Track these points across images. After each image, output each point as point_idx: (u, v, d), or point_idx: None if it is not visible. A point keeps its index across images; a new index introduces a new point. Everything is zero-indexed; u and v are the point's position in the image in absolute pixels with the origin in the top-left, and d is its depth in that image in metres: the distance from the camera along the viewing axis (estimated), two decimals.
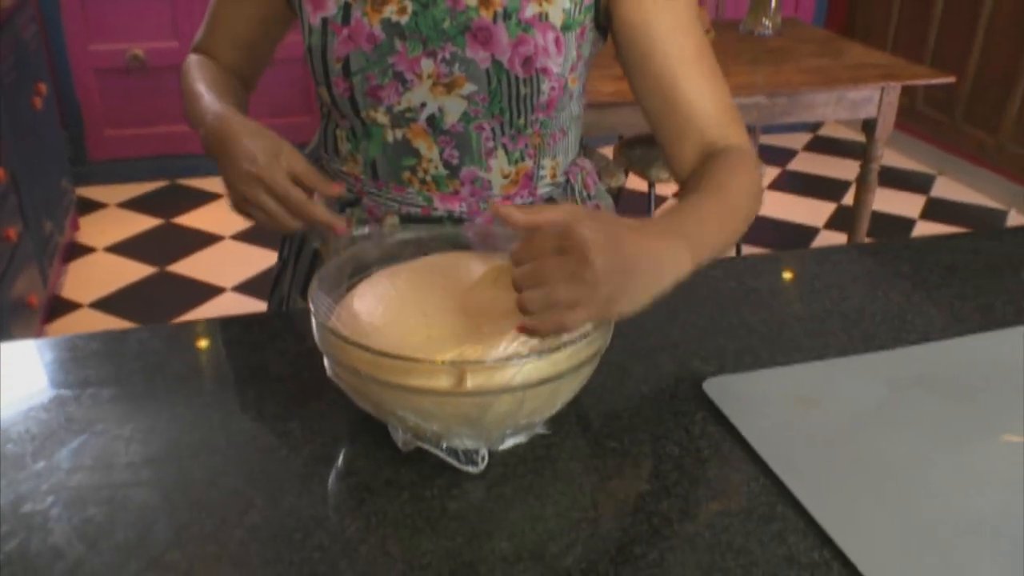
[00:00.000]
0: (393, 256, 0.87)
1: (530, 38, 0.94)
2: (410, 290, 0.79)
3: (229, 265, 3.10)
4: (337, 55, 0.97)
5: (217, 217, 3.45)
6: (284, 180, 0.86)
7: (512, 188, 1.05)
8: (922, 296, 1.04)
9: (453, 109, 0.98)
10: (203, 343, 0.94)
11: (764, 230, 3.51)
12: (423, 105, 0.98)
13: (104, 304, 2.85)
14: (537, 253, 0.68)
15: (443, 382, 0.70)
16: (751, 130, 3.19)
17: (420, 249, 0.88)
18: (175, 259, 3.14)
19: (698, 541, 0.69)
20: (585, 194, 1.15)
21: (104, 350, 0.91)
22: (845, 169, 4.10)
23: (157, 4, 3.49)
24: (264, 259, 3.14)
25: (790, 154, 4.28)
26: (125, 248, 3.21)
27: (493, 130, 1.00)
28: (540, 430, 0.78)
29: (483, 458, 0.75)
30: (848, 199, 3.79)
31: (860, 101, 2.56)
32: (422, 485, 0.74)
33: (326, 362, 0.76)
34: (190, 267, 3.09)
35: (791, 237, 3.47)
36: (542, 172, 1.06)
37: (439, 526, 0.70)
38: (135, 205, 3.54)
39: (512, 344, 0.71)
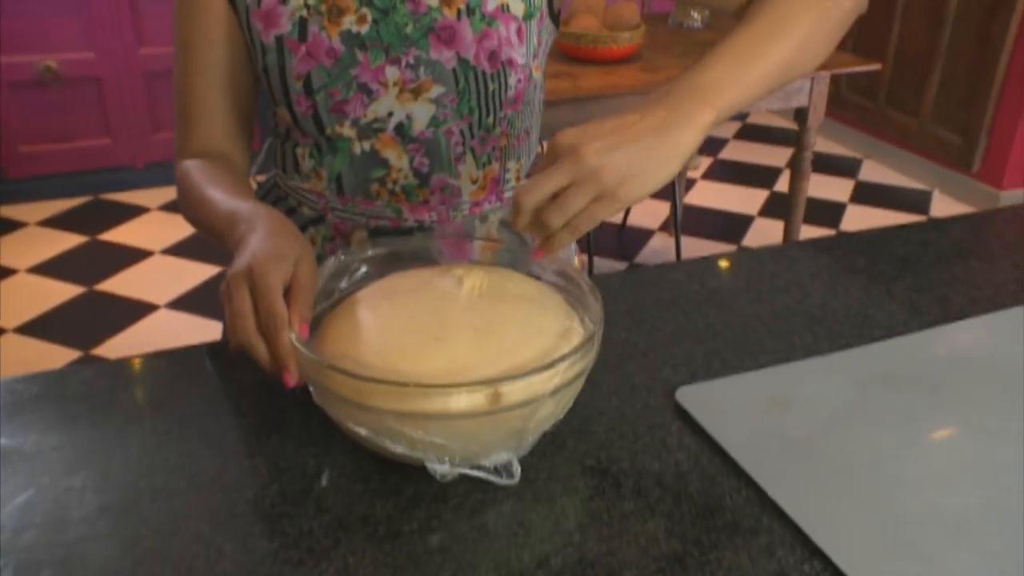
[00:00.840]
0: (349, 279, 0.85)
1: (493, 31, 0.94)
2: (404, 316, 0.76)
3: (161, 281, 3.01)
4: (297, 73, 0.93)
5: (145, 232, 3.34)
6: (275, 282, 0.72)
7: (480, 194, 1.03)
8: (880, 291, 1.05)
9: (421, 115, 0.96)
10: (153, 378, 0.90)
11: (699, 220, 3.55)
12: (390, 114, 0.96)
13: (31, 328, 2.74)
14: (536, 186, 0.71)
15: (492, 401, 0.68)
16: None
17: (374, 270, 0.86)
18: (103, 277, 3.03)
19: (688, 561, 0.67)
20: None
21: (45, 393, 0.86)
22: (775, 156, 4.16)
23: (69, 13, 3.36)
24: (198, 273, 3.06)
25: (720, 143, 4.33)
26: (49, 268, 3.09)
27: (462, 132, 0.98)
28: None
29: (517, 469, 0.73)
30: (780, 186, 3.85)
31: (792, 91, 2.59)
32: (399, 519, 0.71)
33: (333, 412, 0.73)
34: (120, 285, 2.99)
35: (727, 226, 3.51)
36: (507, 175, 1.05)
37: (422, 562, 0.67)
38: (57, 223, 3.41)
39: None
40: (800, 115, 2.68)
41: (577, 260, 1.24)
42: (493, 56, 0.95)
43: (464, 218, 1.03)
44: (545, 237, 0.75)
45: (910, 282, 1.07)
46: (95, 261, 3.14)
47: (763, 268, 1.10)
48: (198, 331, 2.74)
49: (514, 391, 0.68)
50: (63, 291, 2.95)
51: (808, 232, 3.30)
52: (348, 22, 0.92)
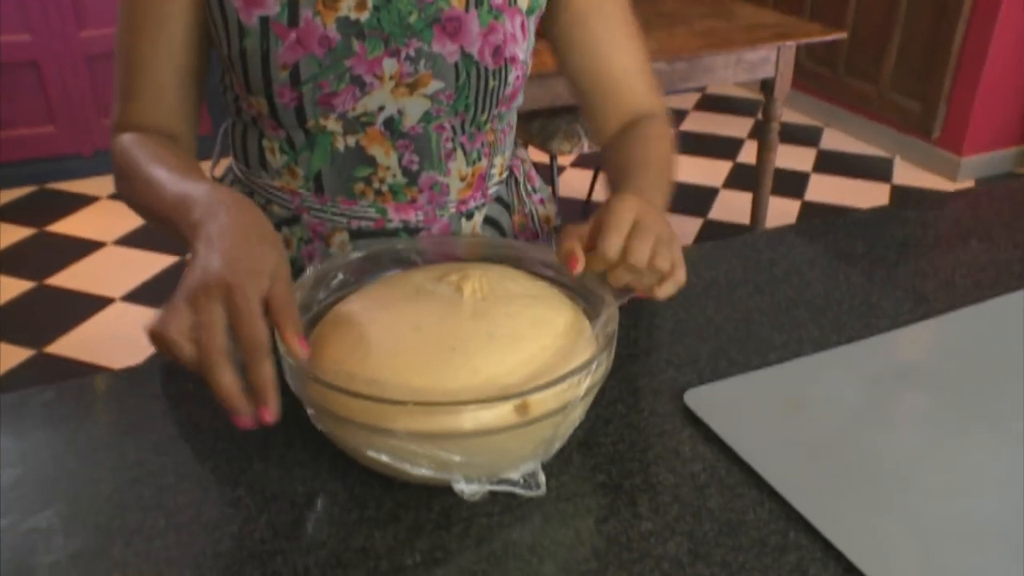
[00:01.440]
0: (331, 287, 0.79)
1: (500, 25, 0.88)
2: (409, 328, 0.69)
3: (115, 273, 2.90)
4: (283, 62, 0.85)
5: (96, 222, 3.22)
6: (257, 304, 0.62)
7: (467, 192, 0.97)
8: (883, 277, 1.01)
9: (414, 110, 0.90)
10: (119, 399, 0.82)
11: None
12: (381, 108, 0.89)
13: None
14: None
15: (523, 412, 0.64)
16: None
17: (351, 277, 0.80)
18: (54, 271, 2.91)
19: None
20: (529, 187, 1.09)
21: (0, 419, 0.79)
22: (737, 127, 4.13)
23: None
24: (154, 263, 2.95)
25: (681, 115, 4.29)
26: None
27: (453, 128, 0.93)
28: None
29: (543, 478, 0.68)
30: (743, 156, 3.82)
31: (758, 62, 2.55)
32: (401, 551, 0.65)
33: (344, 439, 0.67)
34: (71, 278, 2.87)
35: (693, 199, 3.47)
36: (493, 171, 1.00)
37: None
38: (2, 215, 3.27)
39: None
40: (766, 86, 2.64)
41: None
42: (497, 52, 0.89)
43: (450, 216, 0.97)
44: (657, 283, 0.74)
45: (912, 267, 1.03)
46: (44, 254, 3.01)
47: (760, 256, 1.05)
48: None
49: (546, 399, 0.63)
50: (11, 287, 2.82)
51: (774, 204, 3.28)
52: (346, 7, 0.84)
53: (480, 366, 0.65)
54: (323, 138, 0.90)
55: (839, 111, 4.08)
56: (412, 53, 0.87)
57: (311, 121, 0.88)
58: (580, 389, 0.65)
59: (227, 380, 0.60)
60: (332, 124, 0.89)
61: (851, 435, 0.76)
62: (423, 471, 0.64)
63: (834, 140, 4.03)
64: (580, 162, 3.74)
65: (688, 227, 3.26)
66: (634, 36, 0.98)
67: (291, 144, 0.91)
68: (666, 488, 0.71)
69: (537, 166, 1.16)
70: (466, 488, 0.64)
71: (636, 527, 0.68)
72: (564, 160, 3.69)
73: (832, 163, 3.80)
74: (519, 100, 0.99)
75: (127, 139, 0.87)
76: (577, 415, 0.69)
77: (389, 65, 0.87)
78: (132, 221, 3.18)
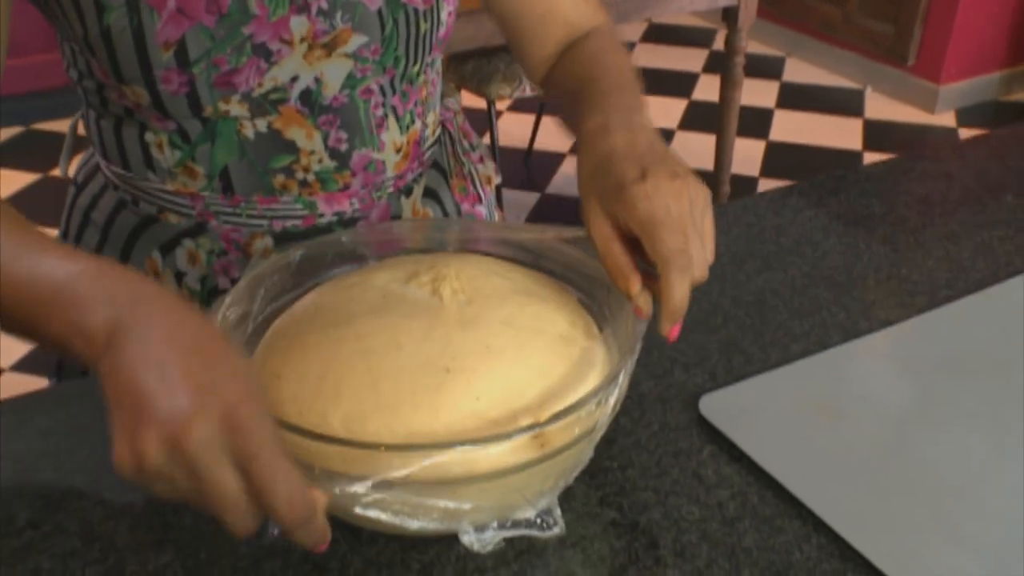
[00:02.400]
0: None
1: None
2: (389, 346, 0.61)
3: None
4: (163, 39, 0.73)
5: None
6: (280, 447, 0.50)
7: (404, 163, 0.89)
8: (909, 243, 0.96)
9: (334, 75, 0.80)
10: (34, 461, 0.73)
11: None
12: (294, 79, 0.79)
13: None
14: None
15: (542, 444, 0.57)
16: None
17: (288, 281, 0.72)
18: None
19: None
20: (466, 144, 1.02)
21: None
22: (689, 59, 4.08)
23: None
24: None
25: (627, 47, 4.22)
26: None
27: (382, 89, 0.84)
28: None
29: (559, 513, 0.60)
30: (700, 93, 3.78)
31: None
32: None
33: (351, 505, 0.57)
34: None
35: None
36: (427, 132, 0.92)
37: None
38: None
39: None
40: (729, 15, 2.58)
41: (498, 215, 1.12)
42: None
43: (388, 197, 0.88)
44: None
45: (941, 229, 0.98)
46: None
47: (763, 223, 0.99)
48: None
49: (569, 425, 0.56)
50: None
51: (736, 145, 3.24)
52: None
53: (482, 389, 0.58)
54: (225, 125, 0.80)
55: (802, 38, 4.06)
56: (324, 5, 0.77)
57: (208, 108, 0.78)
58: (608, 407, 0.59)
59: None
60: (236, 108, 0.79)
61: (901, 445, 0.71)
62: (424, 524, 0.56)
63: (798, 71, 4.01)
64: (517, 106, 3.65)
65: None
66: None
67: (184, 137, 0.81)
68: (691, 524, 0.65)
69: (473, 112, 1.08)
70: (476, 540, 0.57)
71: None
72: (500, 105, 3.60)
73: (797, 97, 3.78)
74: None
75: None
76: (599, 435, 0.62)
77: (298, 24, 0.77)
78: (7, 188, 3.00)
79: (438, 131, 0.97)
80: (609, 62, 0.83)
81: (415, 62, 0.85)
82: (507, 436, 0.56)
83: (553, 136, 3.44)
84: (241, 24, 0.75)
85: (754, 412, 0.74)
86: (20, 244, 0.54)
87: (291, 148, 0.82)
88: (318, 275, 0.74)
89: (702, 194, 0.65)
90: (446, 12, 0.85)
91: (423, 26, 0.83)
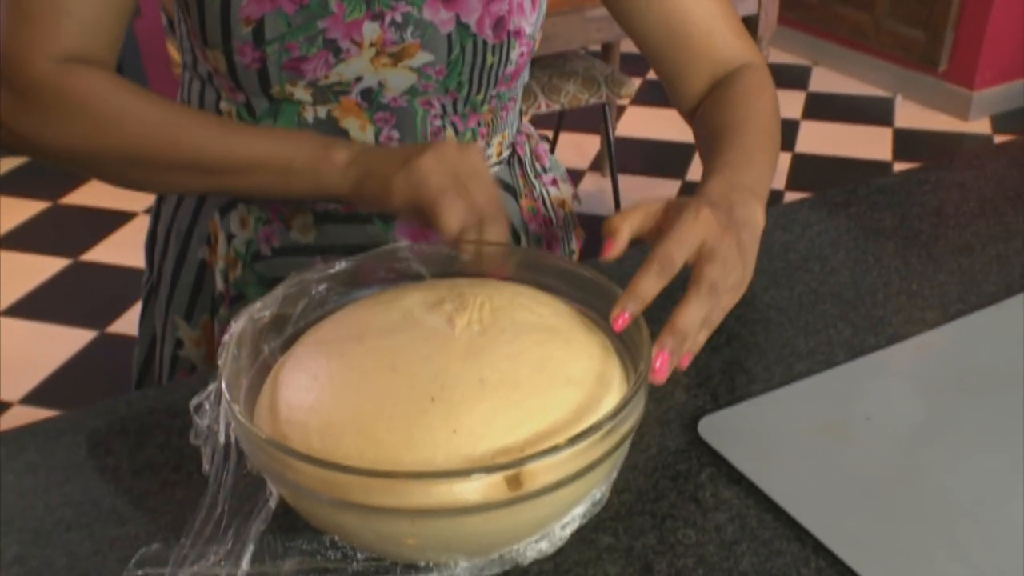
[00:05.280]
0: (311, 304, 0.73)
1: None
2: (384, 368, 0.62)
3: None
4: (246, 15, 0.81)
5: None
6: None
7: None
8: (921, 257, 0.96)
9: (397, 83, 0.87)
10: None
11: (633, 153, 3.46)
12: (358, 79, 0.86)
13: None
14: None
15: (514, 486, 0.56)
16: (609, 46, 3.10)
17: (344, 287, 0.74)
18: None
19: None
20: (538, 167, 1.05)
21: None
22: None
23: None
24: (44, 268, 2.84)
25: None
26: None
27: (443, 106, 0.89)
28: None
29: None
30: None
31: None
32: None
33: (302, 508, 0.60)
34: None
35: (666, 158, 3.44)
36: (490, 151, 0.96)
37: None
38: None
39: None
40: (749, 24, 2.59)
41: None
42: (500, 24, 0.86)
43: None
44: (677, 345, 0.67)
45: (954, 242, 0.98)
46: None
47: (770, 238, 1.00)
48: (49, 343, 2.55)
49: (542, 471, 0.56)
50: None
51: None
52: None
53: (463, 421, 0.58)
54: (289, 107, 0.88)
55: (830, 46, 4.06)
56: (399, 18, 0.84)
57: (276, 87, 0.86)
58: (592, 455, 0.57)
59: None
60: (300, 92, 0.87)
61: (908, 467, 0.71)
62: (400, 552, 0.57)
63: (825, 80, 4.01)
64: (534, 122, 3.67)
65: (664, 191, 3.22)
66: None
67: (250, 111, 0.89)
68: (688, 548, 0.66)
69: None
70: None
71: None
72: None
73: (824, 107, 3.78)
74: (524, 77, 0.96)
75: (96, 76, 0.81)
76: (594, 486, 0.62)
77: (370, 30, 0.84)
78: (16, 216, 3.06)
79: (505, 153, 1.00)
80: (748, 115, 0.88)
81: (479, 91, 0.90)
82: (447, 475, 0.56)
83: (572, 152, 3.47)
84: (318, 17, 0.82)
85: (755, 433, 0.75)
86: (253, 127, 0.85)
87: (343, 136, 0.88)
88: (369, 289, 0.75)
89: (737, 282, 0.72)
90: (517, 52, 0.89)
91: (490, 59, 0.87)
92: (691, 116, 0.96)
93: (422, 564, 0.59)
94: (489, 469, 0.55)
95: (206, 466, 0.63)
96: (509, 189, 1.01)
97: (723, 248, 0.69)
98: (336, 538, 0.61)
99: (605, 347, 0.68)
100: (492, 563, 0.60)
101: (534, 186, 1.06)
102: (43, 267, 2.86)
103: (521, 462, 0.55)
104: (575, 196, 1.12)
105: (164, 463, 0.73)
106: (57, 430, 0.78)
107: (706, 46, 0.93)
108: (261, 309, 0.69)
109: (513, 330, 0.65)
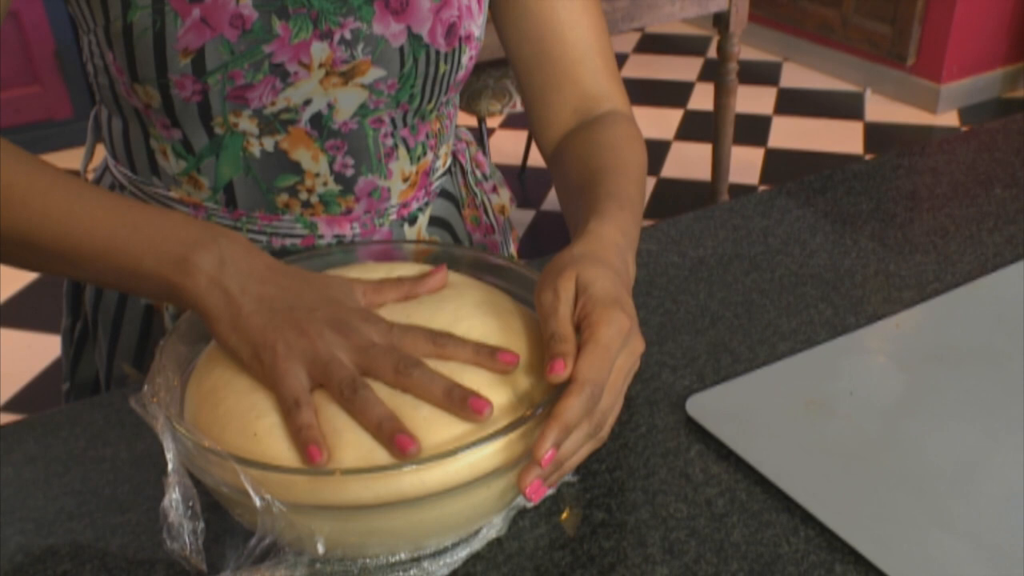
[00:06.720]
0: None
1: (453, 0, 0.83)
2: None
3: None
4: (183, 47, 0.76)
5: None
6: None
7: (410, 192, 0.91)
8: (897, 238, 0.99)
9: (348, 102, 0.83)
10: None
11: None
12: (307, 103, 0.81)
13: None
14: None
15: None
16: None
17: None
18: None
19: None
20: (479, 174, 1.04)
21: None
22: (684, 69, 4.13)
23: None
24: (18, 276, 2.82)
25: (620, 59, 4.27)
26: None
27: (393, 121, 0.86)
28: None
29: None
30: (695, 102, 3.82)
31: None
32: None
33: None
34: None
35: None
36: (437, 163, 0.94)
37: None
38: None
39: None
40: (720, 21, 2.62)
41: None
42: (451, 31, 0.83)
43: (390, 224, 0.91)
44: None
45: (930, 224, 1.01)
46: None
47: (750, 225, 1.02)
48: (28, 351, 2.53)
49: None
50: None
51: (734, 154, 3.28)
52: None
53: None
54: (232, 140, 0.82)
55: (799, 42, 4.11)
56: (348, 35, 0.80)
57: (218, 119, 0.81)
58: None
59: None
60: (245, 123, 0.82)
61: (890, 438, 0.74)
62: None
63: (795, 76, 4.06)
64: (510, 122, 3.70)
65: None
66: (595, 4, 0.91)
67: (188, 147, 0.83)
68: (679, 521, 0.68)
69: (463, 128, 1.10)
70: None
71: (650, 574, 0.64)
72: (492, 121, 3.64)
73: (795, 102, 3.82)
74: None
75: None
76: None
77: (318, 50, 0.79)
78: None
79: (449, 162, 0.98)
80: (629, 160, 0.84)
81: (430, 100, 0.87)
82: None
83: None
84: (263, 42, 0.77)
85: (742, 411, 0.77)
86: (112, 202, 0.68)
87: (296, 169, 0.84)
88: None
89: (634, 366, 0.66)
90: (467, 56, 0.87)
91: (443, 68, 0.85)
92: (551, 148, 0.92)
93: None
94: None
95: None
96: (452, 199, 1.00)
97: (635, 347, 0.64)
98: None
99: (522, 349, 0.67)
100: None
101: (475, 194, 1.04)
102: (22, 273, 2.85)
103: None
104: (512, 199, 1.11)
105: (162, 452, 0.74)
106: (55, 423, 0.79)
107: (574, 73, 0.90)
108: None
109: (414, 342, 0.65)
